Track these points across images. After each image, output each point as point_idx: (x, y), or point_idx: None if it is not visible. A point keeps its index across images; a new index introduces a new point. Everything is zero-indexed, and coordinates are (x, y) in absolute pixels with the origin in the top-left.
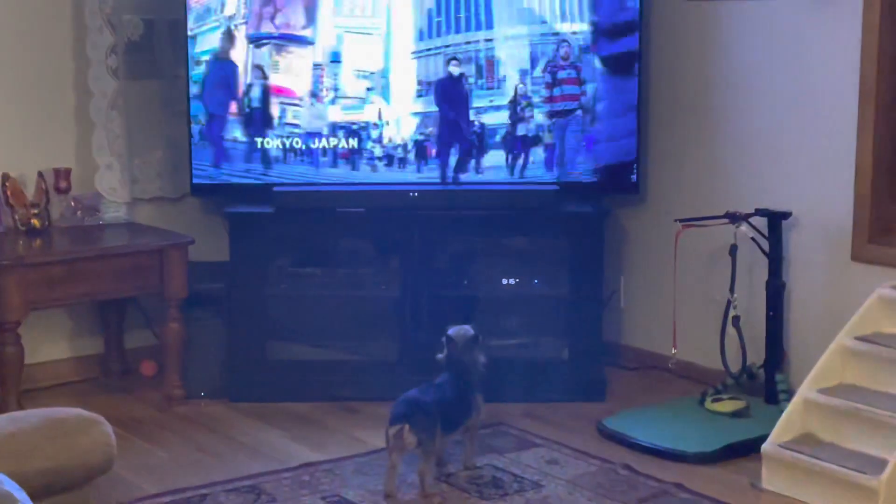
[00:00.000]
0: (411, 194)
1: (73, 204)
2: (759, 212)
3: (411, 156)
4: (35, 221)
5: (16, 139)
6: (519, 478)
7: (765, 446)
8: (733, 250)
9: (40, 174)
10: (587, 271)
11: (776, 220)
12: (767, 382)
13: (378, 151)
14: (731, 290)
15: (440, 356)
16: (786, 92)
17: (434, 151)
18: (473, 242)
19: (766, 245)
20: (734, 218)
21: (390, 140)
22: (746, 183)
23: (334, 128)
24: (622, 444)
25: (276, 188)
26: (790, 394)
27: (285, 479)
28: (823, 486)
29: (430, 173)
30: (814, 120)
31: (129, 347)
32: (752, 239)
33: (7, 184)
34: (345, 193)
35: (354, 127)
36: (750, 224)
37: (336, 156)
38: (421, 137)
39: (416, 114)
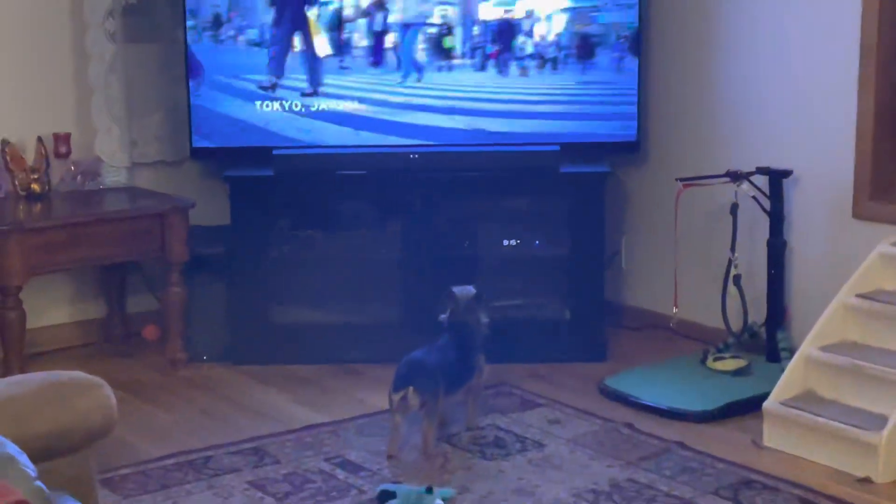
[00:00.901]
0: (411, 156)
1: (72, 168)
2: (760, 170)
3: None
4: (35, 186)
5: (15, 104)
6: (521, 437)
7: (766, 404)
8: (734, 209)
9: (40, 139)
10: (588, 232)
11: (777, 178)
12: (769, 341)
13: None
14: (733, 248)
15: (443, 317)
16: (787, 49)
17: None
18: (474, 204)
19: (767, 203)
20: (735, 177)
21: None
22: (747, 141)
23: None
24: (624, 404)
25: (275, 151)
26: (791, 352)
27: (288, 440)
28: (824, 443)
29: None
30: (815, 77)
31: (131, 312)
32: (753, 197)
33: (7, 149)
34: (345, 156)
35: None
36: (751, 182)
37: None
38: None
39: None
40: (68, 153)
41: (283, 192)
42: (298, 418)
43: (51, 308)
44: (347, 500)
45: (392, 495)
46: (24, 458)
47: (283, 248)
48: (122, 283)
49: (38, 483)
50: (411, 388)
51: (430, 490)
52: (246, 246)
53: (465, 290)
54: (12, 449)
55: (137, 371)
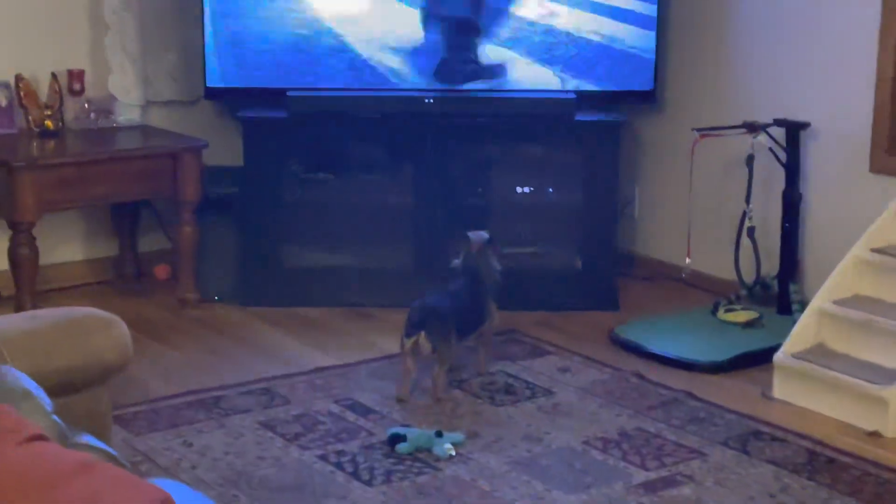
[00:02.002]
0: (426, 100)
1: (86, 106)
2: (778, 122)
3: None
4: (49, 123)
5: (28, 40)
6: (531, 385)
7: (777, 356)
8: (750, 160)
9: (54, 75)
10: (602, 180)
11: (794, 130)
12: (781, 293)
13: None
14: (747, 200)
15: (456, 262)
16: (808, 1)
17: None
18: (488, 150)
19: (783, 156)
20: (752, 128)
21: None
22: (765, 93)
23: None
24: (634, 353)
25: (290, 93)
26: (803, 305)
27: (299, 382)
28: (834, 396)
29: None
30: (835, 30)
31: (143, 251)
32: (770, 149)
33: (20, 85)
34: (359, 99)
35: None
36: (768, 134)
37: None
38: None
39: None
40: (82, 90)
41: (296, 134)
42: (309, 360)
43: (63, 245)
44: (357, 442)
45: (402, 438)
46: (40, 393)
47: (295, 190)
48: (135, 221)
49: (54, 417)
50: (423, 334)
51: (439, 434)
52: (259, 187)
53: (479, 236)
54: (29, 383)
55: (148, 310)
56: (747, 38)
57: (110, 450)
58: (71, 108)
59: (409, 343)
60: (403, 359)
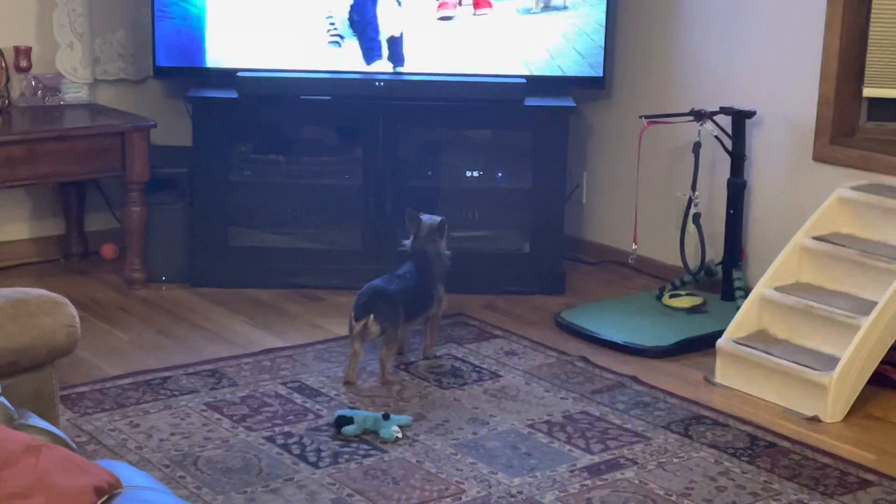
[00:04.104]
0: (377, 83)
1: (33, 83)
2: (724, 110)
3: None
4: None
5: None
6: (477, 368)
7: (719, 342)
8: (696, 148)
9: (0, 52)
10: (551, 165)
11: (740, 118)
12: (725, 280)
13: None
14: (693, 187)
15: (406, 242)
16: None
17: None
18: (438, 134)
19: (729, 143)
20: (699, 115)
21: None
22: (712, 81)
23: None
24: (580, 337)
25: (239, 73)
26: (746, 291)
27: (246, 363)
28: (775, 382)
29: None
30: (781, 19)
31: (90, 230)
32: (716, 137)
33: None
34: (310, 80)
35: None
36: (714, 122)
37: None
38: None
39: None
40: (29, 67)
41: (246, 114)
42: (256, 342)
43: (9, 224)
44: (304, 424)
45: (349, 420)
46: None
47: (244, 171)
48: (81, 200)
49: (0, 398)
50: (372, 317)
51: (386, 416)
52: (207, 167)
53: (430, 219)
54: None
55: (95, 289)
56: (695, 26)
57: (57, 431)
58: (17, 85)
59: (357, 326)
60: (351, 341)
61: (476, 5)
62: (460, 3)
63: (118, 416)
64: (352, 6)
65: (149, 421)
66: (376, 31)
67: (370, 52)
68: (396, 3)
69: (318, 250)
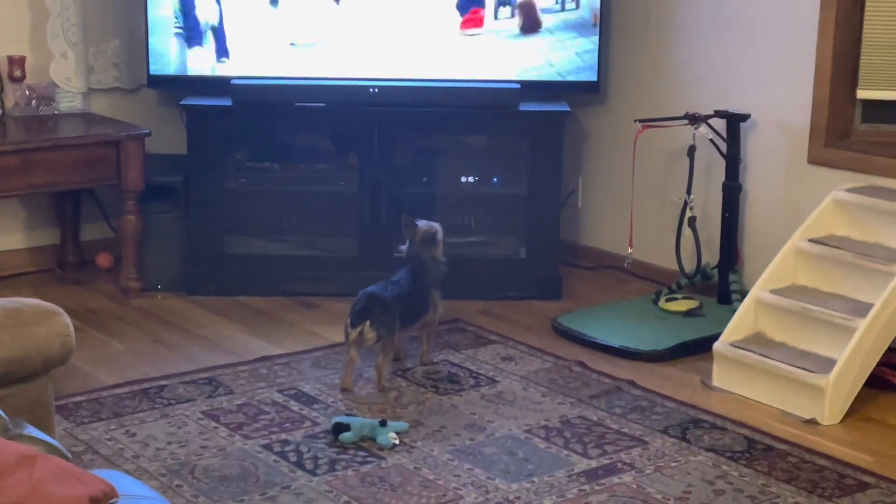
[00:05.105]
0: (371, 90)
1: (27, 93)
2: (719, 113)
3: None
4: None
5: None
6: (474, 373)
7: (716, 345)
8: (692, 151)
9: None
10: (546, 170)
11: (735, 121)
12: (721, 283)
13: None
14: (689, 191)
15: (402, 248)
16: None
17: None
18: (433, 140)
19: (724, 147)
20: (693, 119)
21: None
22: (706, 84)
23: None
24: (576, 342)
25: (234, 81)
26: (743, 294)
27: (242, 371)
28: (772, 385)
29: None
30: (775, 23)
31: (85, 239)
32: (711, 140)
33: None
34: (304, 88)
35: None
36: (709, 125)
37: None
38: None
39: None
40: (23, 77)
41: (240, 122)
42: (253, 350)
43: (4, 234)
44: (301, 431)
45: (346, 428)
46: None
47: (239, 179)
48: (76, 210)
49: None
50: (368, 324)
51: (383, 423)
52: (202, 176)
53: (426, 224)
54: None
55: (91, 299)
56: (689, 30)
57: (52, 441)
58: (12, 94)
59: (353, 333)
60: (348, 348)
61: (464, 24)
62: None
63: (114, 425)
64: None
65: (145, 430)
66: None
67: None
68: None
69: (314, 257)
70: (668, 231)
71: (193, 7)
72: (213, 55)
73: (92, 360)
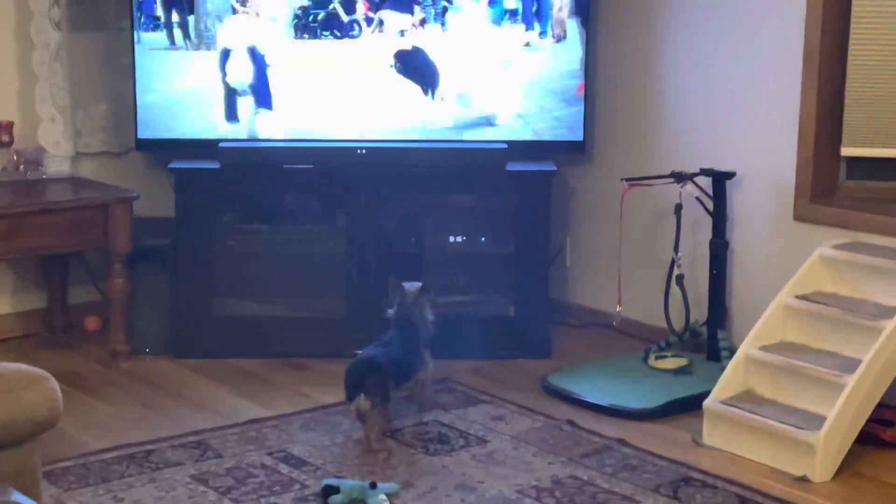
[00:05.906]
0: (358, 151)
1: (15, 157)
2: (704, 171)
3: None
4: None
5: None
6: (464, 433)
7: (706, 402)
8: (678, 209)
9: None
10: (534, 229)
11: (720, 179)
12: (710, 340)
13: None
14: (676, 248)
15: (390, 311)
16: (731, 53)
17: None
18: (421, 200)
19: (710, 204)
20: (679, 177)
21: None
22: (692, 143)
23: None
24: (566, 401)
25: (221, 144)
26: (732, 351)
27: (231, 434)
28: (763, 442)
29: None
30: (758, 81)
31: (73, 303)
32: (697, 198)
33: None
34: (291, 150)
35: None
36: (695, 184)
37: None
38: None
39: None
40: (11, 142)
41: (228, 184)
42: (241, 412)
43: None
44: (290, 494)
45: (335, 490)
46: None
47: (228, 241)
48: (65, 273)
49: None
50: (362, 396)
51: (373, 485)
52: (190, 238)
53: (413, 286)
54: None
55: (78, 363)
56: (674, 89)
57: None
58: (0, 160)
59: (352, 406)
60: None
61: None
62: None
63: (102, 490)
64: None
65: (133, 495)
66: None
67: None
68: None
69: (302, 319)
70: (657, 289)
71: None
72: (201, 118)
73: (80, 425)
